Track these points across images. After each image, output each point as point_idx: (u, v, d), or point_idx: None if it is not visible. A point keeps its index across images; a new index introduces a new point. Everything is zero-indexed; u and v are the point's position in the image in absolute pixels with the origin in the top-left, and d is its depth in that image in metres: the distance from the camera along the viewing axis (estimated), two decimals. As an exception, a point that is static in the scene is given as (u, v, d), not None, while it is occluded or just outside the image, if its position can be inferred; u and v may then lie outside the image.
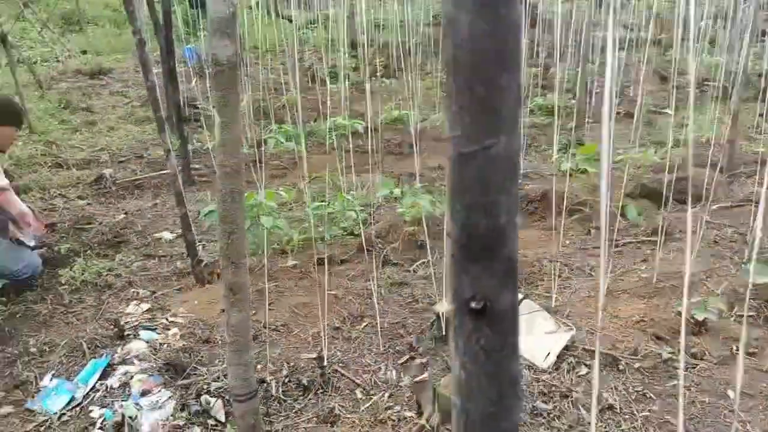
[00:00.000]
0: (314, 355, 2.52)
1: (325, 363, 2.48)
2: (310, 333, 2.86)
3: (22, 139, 5.55)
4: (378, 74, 8.72)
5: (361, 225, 3.86)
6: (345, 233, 3.65)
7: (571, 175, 4.64)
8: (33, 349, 2.83)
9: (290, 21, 12.58)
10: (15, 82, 5.64)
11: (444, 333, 2.59)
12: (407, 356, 2.59)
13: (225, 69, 1.68)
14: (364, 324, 2.89)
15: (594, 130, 5.80)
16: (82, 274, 3.45)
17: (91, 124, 6.47)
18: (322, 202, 4.02)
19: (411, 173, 4.95)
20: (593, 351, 2.54)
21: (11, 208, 3.26)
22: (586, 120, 5.94)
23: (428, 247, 3.56)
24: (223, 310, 3.07)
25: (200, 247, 3.61)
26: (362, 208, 3.97)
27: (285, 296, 3.17)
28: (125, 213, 4.38)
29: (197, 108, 6.61)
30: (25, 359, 2.79)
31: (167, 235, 4.03)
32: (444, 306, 2.63)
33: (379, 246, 3.56)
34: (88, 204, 4.55)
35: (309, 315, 2.99)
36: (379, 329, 2.77)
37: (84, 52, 10.13)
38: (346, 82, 7.94)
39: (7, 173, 3.54)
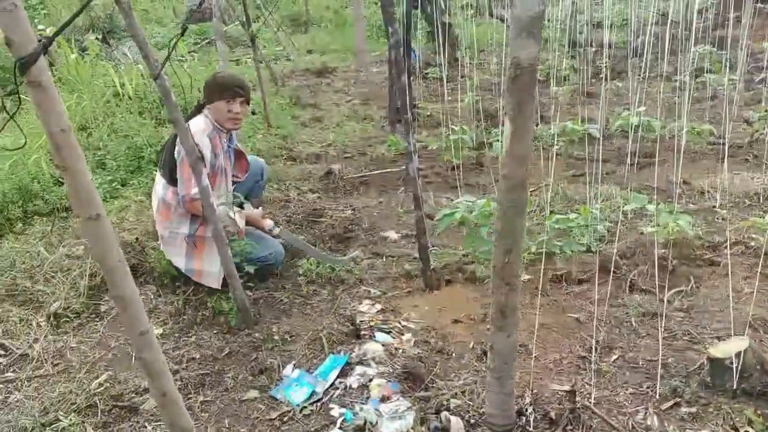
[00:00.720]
0: (565, 388, 2.29)
1: (578, 398, 2.24)
2: (551, 358, 2.64)
3: (261, 132, 5.98)
4: (600, 76, 8.17)
5: (599, 242, 3.55)
6: (585, 250, 3.36)
7: None
8: (276, 337, 2.95)
9: (502, 21, 12.37)
10: (258, 78, 6.08)
11: (722, 382, 2.23)
12: (671, 402, 2.27)
13: (525, 72, 1.53)
14: (615, 356, 2.60)
15: None
16: (317, 266, 3.56)
17: (317, 120, 6.81)
18: (552, 212, 3.78)
19: (650, 186, 4.50)
20: None
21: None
22: None
23: (683, 274, 3.17)
24: (456, 321, 2.99)
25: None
26: (602, 222, 3.65)
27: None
28: (352, 209, 4.48)
29: (416, 108, 6.66)
30: (268, 345, 2.91)
31: (393, 235, 4.04)
32: (721, 350, 2.26)
33: (624, 267, 3.22)
34: (319, 198, 4.74)
35: (549, 338, 2.77)
36: (636, 365, 2.48)
37: (309, 52, 10.81)
38: (568, 84, 7.55)
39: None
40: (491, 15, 12.42)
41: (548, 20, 9.13)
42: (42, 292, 3.35)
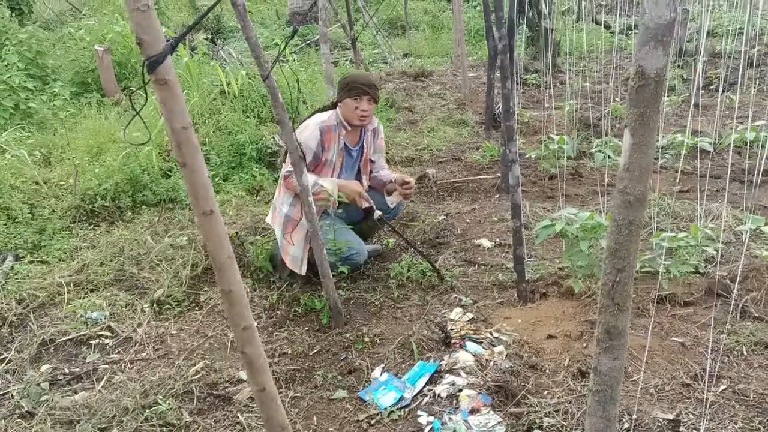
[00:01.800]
0: (669, 416, 2.17)
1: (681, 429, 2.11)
2: (653, 383, 2.50)
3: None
4: (711, 87, 7.74)
5: (707, 263, 3.35)
6: (692, 271, 3.17)
7: None
8: (366, 338, 2.96)
9: (608, 28, 11.95)
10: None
11: None
12: (788, 443, 2.09)
13: (651, 83, 1.44)
14: (723, 387, 2.43)
15: None
16: (408, 270, 3.55)
17: (412, 123, 6.81)
18: (660, 229, 3.60)
19: (765, 206, 4.20)
20: None
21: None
22: None
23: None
24: (550, 336, 2.90)
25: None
26: (709, 242, 3.43)
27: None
28: (445, 214, 4.44)
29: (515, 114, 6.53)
30: (358, 346, 2.93)
31: (486, 243, 3.97)
32: None
33: (736, 292, 3.01)
34: (412, 201, 4.72)
35: (651, 362, 2.63)
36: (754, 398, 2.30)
37: (406, 55, 10.85)
38: (675, 95, 7.19)
39: None
40: (595, 22, 12.05)
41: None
42: (147, 279, 3.53)
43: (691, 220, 3.84)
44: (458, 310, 3.18)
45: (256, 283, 3.53)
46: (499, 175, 4.93)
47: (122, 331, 3.14)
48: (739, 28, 9.91)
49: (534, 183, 4.97)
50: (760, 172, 4.40)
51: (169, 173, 4.78)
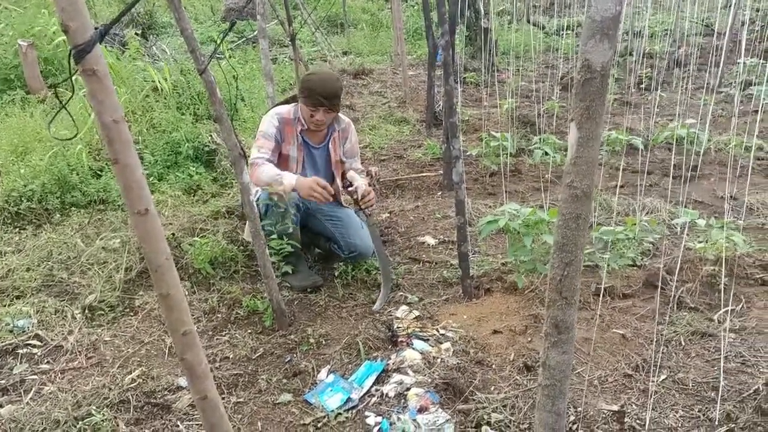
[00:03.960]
0: (614, 408, 2.20)
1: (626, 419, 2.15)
2: (596, 375, 2.53)
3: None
4: (642, 86, 8.01)
5: (643, 256, 3.44)
6: (630, 264, 3.25)
7: None
8: (311, 340, 2.90)
9: (542, 28, 12.23)
10: (297, 77, 6.06)
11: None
12: (725, 428, 2.16)
13: (597, 77, 1.44)
14: (663, 377, 2.49)
15: None
16: (353, 269, 3.50)
17: (353, 121, 6.74)
18: (599, 224, 3.68)
19: (695, 200, 4.36)
20: None
21: (261, 181, 3.24)
22: None
23: (732, 293, 3.04)
24: (496, 331, 2.91)
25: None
26: (647, 233, 3.53)
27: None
28: (389, 212, 4.42)
29: (454, 112, 6.57)
30: (303, 348, 2.86)
31: (430, 240, 3.96)
32: (782, 376, 2.14)
33: (671, 284, 3.11)
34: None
35: (593, 354, 2.67)
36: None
37: (345, 53, 10.79)
38: (609, 94, 7.41)
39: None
40: (529, 22, 12.30)
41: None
42: (78, 284, 3.35)
43: (627, 214, 3.95)
44: (404, 308, 3.16)
45: (195, 285, 3.40)
46: (441, 172, 4.95)
47: (52, 340, 2.96)
48: (665, 30, 10.33)
49: (475, 180, 5.01)
50: (690, 168, 4.58)
51: (99, 173, 4.56)
